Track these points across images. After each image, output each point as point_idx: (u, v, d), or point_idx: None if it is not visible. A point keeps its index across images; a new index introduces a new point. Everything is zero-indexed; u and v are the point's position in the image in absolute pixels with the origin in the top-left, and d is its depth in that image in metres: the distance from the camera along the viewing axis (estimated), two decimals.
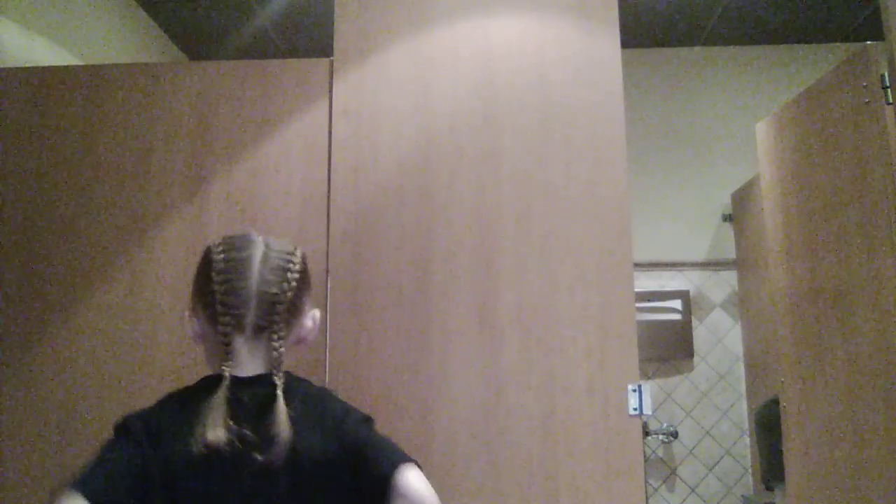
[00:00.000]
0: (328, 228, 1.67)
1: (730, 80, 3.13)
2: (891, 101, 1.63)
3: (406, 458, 0.90)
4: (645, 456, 2.70)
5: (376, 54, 1.74)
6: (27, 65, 1.96)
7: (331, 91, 1.73)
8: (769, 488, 2.46)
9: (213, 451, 0.86)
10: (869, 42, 1.73)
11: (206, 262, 0.98)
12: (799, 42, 3.11)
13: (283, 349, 0.95)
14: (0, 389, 1.64)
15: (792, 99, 2.08)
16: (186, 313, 0.99)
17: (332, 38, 1.75)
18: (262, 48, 3.09)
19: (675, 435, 2.85)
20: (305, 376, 1.01)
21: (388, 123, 1.70)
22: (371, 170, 1.69)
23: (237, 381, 0.92)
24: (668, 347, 2.91)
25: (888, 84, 1.63)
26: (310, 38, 3.01)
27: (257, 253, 0.97)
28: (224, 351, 0.93)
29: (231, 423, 0.87)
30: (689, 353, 2.91)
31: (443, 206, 1.66)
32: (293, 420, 0.89)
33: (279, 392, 0.91)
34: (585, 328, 1.59)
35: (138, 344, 1.64)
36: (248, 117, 1.73)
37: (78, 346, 1.65)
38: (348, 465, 0.91)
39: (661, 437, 2.85)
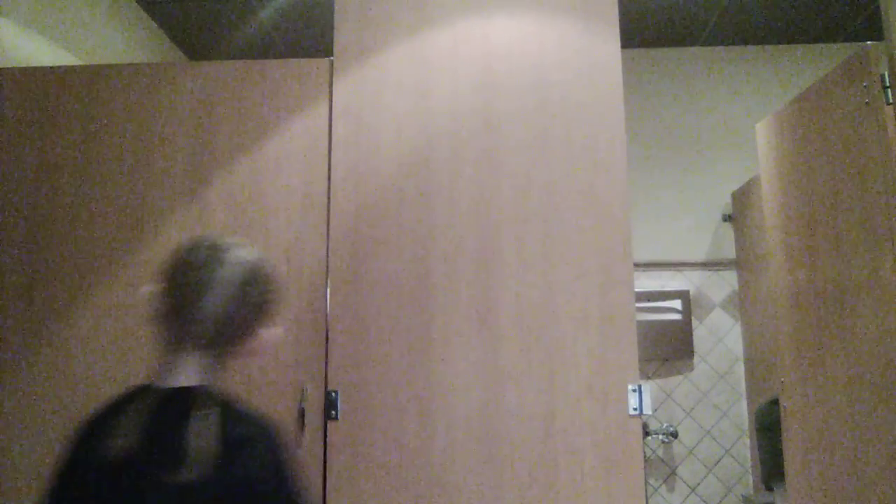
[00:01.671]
0: (328, 228, 1.67)
1: (730, 80, 3.13)
2: (891, 101, 1.63)
3: None
4: (645, 456, 2.70)
5: (376, 54, 1.74)
6: (27, 65, 1.96)
7: (331, 91, 1.73)
8: (769, 488, 2.46)
9: (122, 457, 0.88)
10: (869, 42, 1.73)
11: (170, 260, 0.99)
12: (799, 42, 3.11)
13: (214, 366, 0.97)
14: (0, 389, 1.64)
15: (792, 99, 2.08)
16: (148, 289, 1.01)
17: (332, 38, 1.75)
18: (262, 48, 3.09)
19: (675, 435, 2.85)
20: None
21: (388, 123, 1.70)
22: (371, 170, 1.69)
23: (164, 392, 0.94)
24: (668, 347, 2.91)
25: (888, 84, 1.63)
26: (310, 38, 3.01)
27: (217, 270, 0.96)
28: (162, 356, 0.96)
29: (138, 434, 0.89)
30: (689, 353, 2.91)
31: (443, 206, 1.66)
32: (196, 439, 0.89)
33: (194, 411, 0.91)
34: (585, 328, 1.59)
35: (138, 344, 1.64)
36: (248, 117, 1.73)
37: (78, 347, 1.65)
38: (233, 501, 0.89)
39: (661, 437, 2.85)
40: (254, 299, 0.98)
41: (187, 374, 0.96)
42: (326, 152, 1.71)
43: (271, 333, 1.04)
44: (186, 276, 0.95)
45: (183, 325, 0.95)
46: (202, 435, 0.90)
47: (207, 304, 0.95)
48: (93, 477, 0.89)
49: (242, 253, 1.00)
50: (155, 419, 0.91)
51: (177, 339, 0.96)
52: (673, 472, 2.88)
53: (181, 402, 0.93)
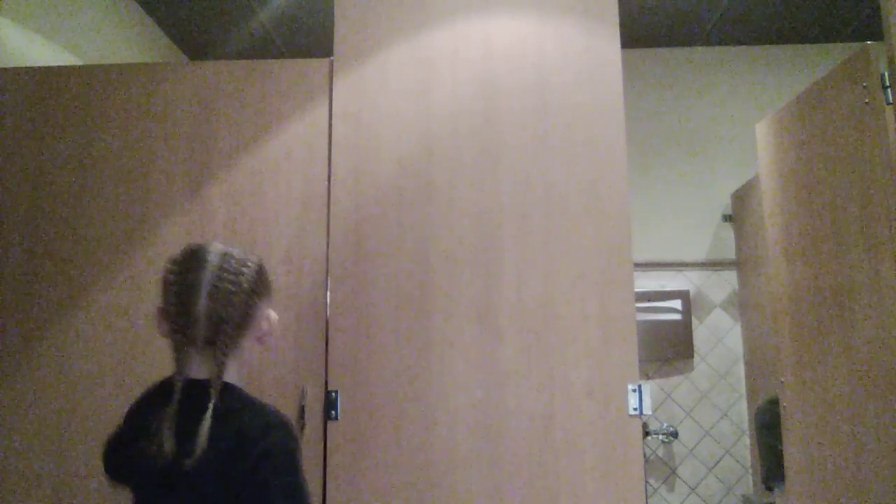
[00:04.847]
0: (328, 228, 1.67)
1: (730, 80, 3.13)
2: (891, 101, 1.63)
3: None
4: (645, 456, 2.70)
5: (376, 54, 1.74)
6: (27, 65, 1.96)
7: (331, 91, 1.73)
8: (769, 488, 2.46)
9: (148, 457, 0.94)
10: (869, 42, 1.73)
11: (164, 278, 1.05)
12: (799, 42, 3.11)
13: (226, 361, 1.01)
14: (0, 389, 1.64)
15: (792, 99, 2.08)
16: (157, 309, 1.07)
17: (332, 38, 1.75)
18: (262, 48, 3.09)
19: (675, 435, 2.85)
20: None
21: (389, 123, 1.70)
22: (371, 170, 1.69)
23: (184, 384, 0.99)
24: (668, 347, 2.91)
25: (888, 84, 1.63)
26: (310, 38, 3.01)
27: (207, 275, 1.01)
28: (175, 359, 1.00)
29: (166, 431, 0.94)
30: (689, 353, 2.91)
31: (443, 206, 1.66)
32: (210, 432, 0.93)
33: (211, 404, 0.96)
34: (585, 328, 1.59)
35: (138, 344, 1.64)
36: (248, 117, 1.73)
37: (78, 347, 1.65)
38: (234, 494, 0.92)
39: (661, 437, 2.85)
40: (244, 296, 1.03)
41: (204, 367, 1.02)
42: (326, 152, 1.71)
43: (271, 314, 1.10)
44: (180, 287, 1.01)
45: (183, 326, 1.00)
46: (204, 423, 0.94)
47: (198, 305, 1.00)
48: (134, 480, 0.98)
49: (223, 253, 1.05)
50: (172, 410, 0.96)
51: (183, 338, 1.01)
52: (673, 472, 2.88)
53: (193, 394, 0.98)
